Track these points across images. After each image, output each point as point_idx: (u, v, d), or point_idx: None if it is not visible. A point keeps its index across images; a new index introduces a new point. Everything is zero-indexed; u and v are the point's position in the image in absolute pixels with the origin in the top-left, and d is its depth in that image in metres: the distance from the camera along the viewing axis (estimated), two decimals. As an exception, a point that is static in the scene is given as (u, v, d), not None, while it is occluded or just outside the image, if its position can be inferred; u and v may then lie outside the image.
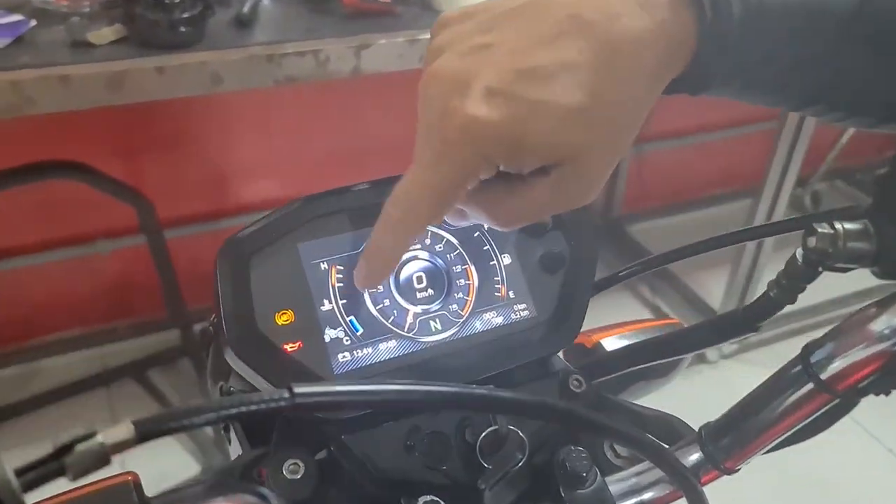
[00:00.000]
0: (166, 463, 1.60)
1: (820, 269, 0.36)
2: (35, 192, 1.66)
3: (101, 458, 0.24)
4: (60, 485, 0.30)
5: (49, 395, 1.77)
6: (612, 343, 0.59)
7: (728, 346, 2.01)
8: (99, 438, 0.24)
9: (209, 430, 1.65)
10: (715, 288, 2.08)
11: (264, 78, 1.17)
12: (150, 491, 0.39)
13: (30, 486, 0.23)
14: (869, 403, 0.38)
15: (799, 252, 0.37)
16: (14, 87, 1.05)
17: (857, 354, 0.34)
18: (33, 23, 1.13)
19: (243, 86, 1.17)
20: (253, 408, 0.26)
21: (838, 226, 0.35)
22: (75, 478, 0.23)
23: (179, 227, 1.87)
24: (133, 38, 1.14)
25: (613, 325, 0.63)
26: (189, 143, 1.84)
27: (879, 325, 0.34)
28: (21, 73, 1.06)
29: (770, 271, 1.95)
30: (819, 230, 0.35)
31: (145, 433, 0.24)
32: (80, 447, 0.23)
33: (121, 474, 0.49)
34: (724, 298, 2.02)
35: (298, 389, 0.27)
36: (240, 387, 0.54)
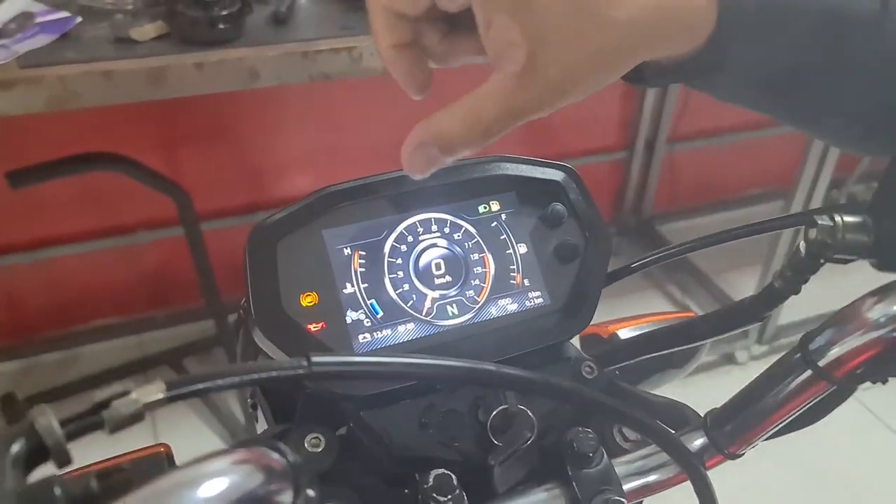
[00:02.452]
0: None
1: (822, 260, 0.38)
2: (79, 184, 1.71)
3: (136, 414, 0.26)
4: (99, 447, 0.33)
5: (88, 381, 1.83)
6: (626, 333, 0.60)
7: (757, 348, 2.00)
8: (133, 396, 0.26)
9: (241, 417, 1.69)
10: (746, 290, 2.07)
11: (300, 74, 1.20)
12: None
13: (71, 437, 0.25)
14: (878, 389, 0.39)
15: (801, 244, 0.38)
16: (61, 82, 1.09)
17: (854, 342, 0.36)
18: (79, 19, 1.17)
19: (279, 81, 1.20)
20: (273, 374, 0.28)
21: (838, 218, 0.36)
22: (112, 431, 0.26)
23: (217, 219, 1.91)
24: (174, 35, 1.18)
25: (630, 317, 0.64)
26: (227, 138, 1.87)
27: (876, 313, 0.35)
28: (67, 67, 1.10)
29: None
30: (819, 222, 0.36)
31: (175, 394, 0.27)
32: (117, 403, 0.26)
33: (154, 445, 0.53)
34: (756, 299, 2.01)
35: (316, 358, 0.29)
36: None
